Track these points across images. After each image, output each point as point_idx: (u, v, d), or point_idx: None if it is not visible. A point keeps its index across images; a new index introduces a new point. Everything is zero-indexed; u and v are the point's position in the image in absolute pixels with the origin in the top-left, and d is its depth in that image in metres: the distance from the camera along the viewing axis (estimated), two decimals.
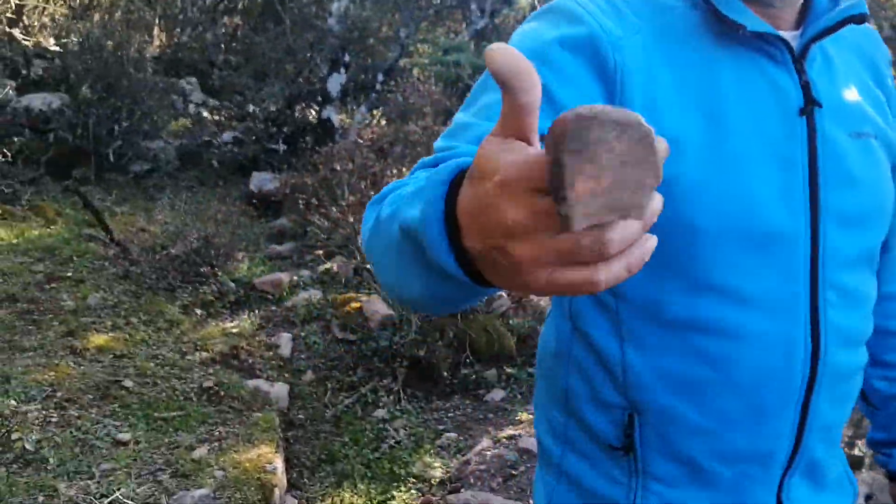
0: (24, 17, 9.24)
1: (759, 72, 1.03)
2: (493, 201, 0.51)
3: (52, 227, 6.39)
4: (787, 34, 1.06)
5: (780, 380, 1.04)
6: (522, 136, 0.52)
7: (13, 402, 3.66)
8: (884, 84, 1.18)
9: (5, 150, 7.01)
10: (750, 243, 1.01)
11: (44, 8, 9.64)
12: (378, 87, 10.15)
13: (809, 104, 1.03)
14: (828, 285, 1.05)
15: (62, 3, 10.91)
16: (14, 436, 3.38)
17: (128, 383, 4.13)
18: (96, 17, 11.71)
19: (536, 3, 7.46)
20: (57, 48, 6.50)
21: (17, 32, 6.24)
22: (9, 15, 6.78)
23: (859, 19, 1.05)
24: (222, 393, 4.17)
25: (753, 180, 1.00)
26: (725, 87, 1.02)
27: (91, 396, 3.95)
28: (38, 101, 8.48)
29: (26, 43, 6.21)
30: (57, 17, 10.37)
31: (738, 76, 1.03)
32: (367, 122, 10.05)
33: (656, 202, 0.49)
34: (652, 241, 0.51)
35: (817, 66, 1.07)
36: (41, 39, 6.23)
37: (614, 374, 1.09)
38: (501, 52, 0.50)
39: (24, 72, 9.41)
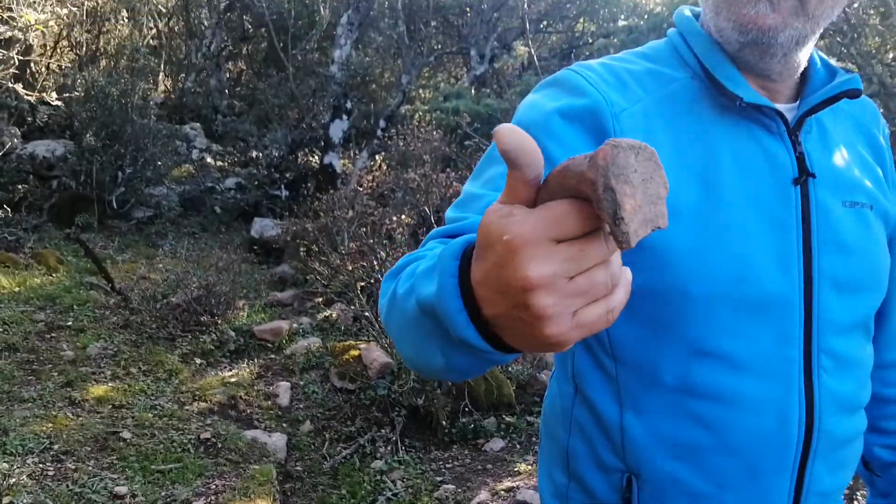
0: (32, 64, 9.38)
1: (756, 142, 1.07)
2: (509, 262, 0.56)
3: (53, 275, 6.43)
4: (784, 106, 1.10)
5: (775, 444, 1.05)
6: (526, 206, 0.59)
7: (5, 465, 3.64)
8: (881, 157, 1.21)
9: (5, 206, 7.06)
10: (744, 308, 1.02)
11: (50, 57, 9.79)
12: (379, 133, 10.25)
13: (803, 174, 1.06)
14: (821, 351, 1.06)
15: (69, 50, 11.09)
16: (5, 500, 3.36)
17: (126, 434, 4.12)
18: (102, 63, 11.89)
19: (533, 51, 7.56)
20: (59, 102, 6.62)
21: (20, 88, 6.34)
22: (13, 70, 6.90)
23: (853, 94, 1.09)
24: (220, 444, 4.16)
25: (748, 247, 1.02)
26: (722, 156, 1.05)
27: (89, 448, 3.95)
28: (42, 147, 8.58)
29: (29, 98, 6.32)
30: (64, 64, 10.53)
31: (735, 146, 1.06)
32: (368, 168, 10.13)
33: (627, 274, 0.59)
34: (629, 273, 0.60)
35: (812, 137, 1.11)
36: (44, 95, 6.34)
37: (613, 437, 1.10)
38: (509, 132, 0.56)
39: (29, 119, 9.54)
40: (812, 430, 1.06)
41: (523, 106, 1.10)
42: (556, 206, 0.56)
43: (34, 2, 7.22)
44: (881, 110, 3.88)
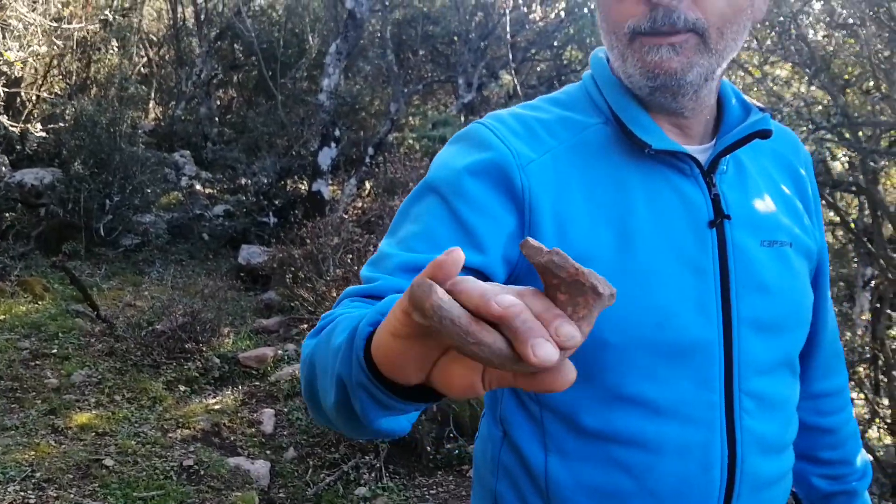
0: (22, 93, 9.43)
1: (670, 186, 1.06)
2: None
3: (39, 302, 6.43)
4: (698, 148, 1.10)
5: (697, 489, 1.05)
6: None
7: None
8: (804, 192, 1.20)
9: None
10: (663, 354, 1.02)
11: (40, 86, 9.85)
12: (368, 160, 10.31)
13: (719, 216, 1.06)
14: (743, 393, 1.06)
15: (60, 79, 11.14)
16: None
17: (108, 462, 4.12)
18: (92, 91, 11.95)
19: (516, 80, 7.65)
20: (44, 133, 6.66)
21: (5, 119, 6.40)
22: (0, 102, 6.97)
23: (764, 135, 1.09)
24: (202, 472, 4.16)
25: (665, 292, 1.02)
26: (636, 202, 1.04)
27: (71, 476, 3.94)
28: (30, 176, 8.60)
29: (14, 129, 6.37)
30: (54, 93, 10.59)
31: (649, 191, 1.05)
32: (356, 195, 10.19)
33: None
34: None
35: (728, 177, 1.10)
36: (29, 126, 6.39)
37: (538, 482, 1.10)
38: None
39: (18, 147, 9.57)
40: (735, 472, 1.06)
41: (436, 161, 1.10)
42: None
43: (20, 35, 7.29)
44: (848, 138, 3.96)
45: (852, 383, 4.24)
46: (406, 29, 12.46)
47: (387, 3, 11.72)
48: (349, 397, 0.73)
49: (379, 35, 12.32)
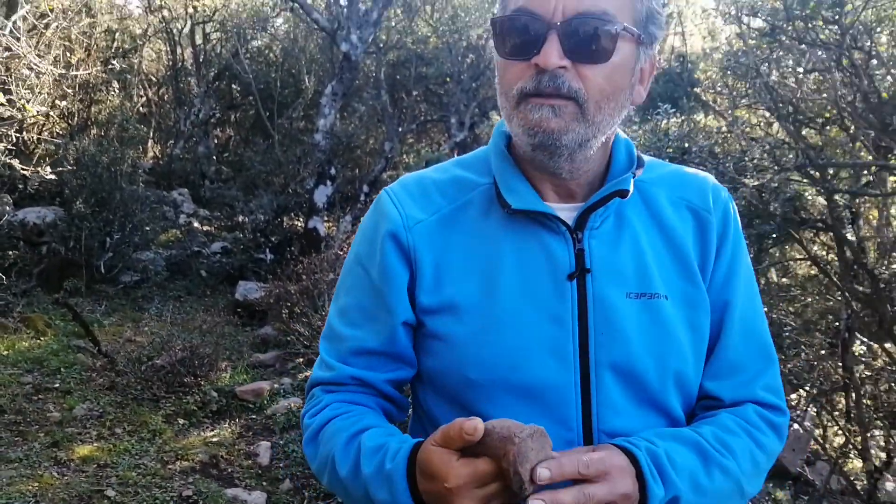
0: (24, 133, 9.64)
1: (538, 242, 1.17)
2: (448, 500, 0.93)
3: (41, 338, 6.58)
4: (573, 206, 1.20)
5: None
6: (458, 449, 0.95)
7: None
8: (707, 238, 1.24)
9: None
10: (519, 394, 1.14)
11: (42, 127, 10.07)
12: (363, 197, 10.53)
13: (579, 270, 1.16)
14: (602, 433, 1.14)
15: (61, 120, 11.37)
16: None
17: (110, 493, 4.25)
18: (93, 132, 12.18)
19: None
20: (53, 176, 6.88)
21: (16, 163, 6.60)
22: (10, 146, 7.18)
23: (622, 194, 1.17)
24: (201, 502, 4.29)
25: (521, 338, 1.14)
26: (505, 256, 1.17)
27: None
28: (32, 214, 8.80)
29: (25, 172, 6.58)
30: (56, 133, 10.80)
31: (518, 246, 1.18)
32: (351, 231, 10.38)
33: None
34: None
35: (602, 232, 1.19)
36: (39, 170, 6.59)
37: None
38: (476, 432, 0.95)
39: (20, 186, 9.77)
40: None
41: (359, 233, 1.29)
42: (481, 465, 0.93)
43: (32, 85, 7.52)
44: (817, 177, 4.15)
45: (833, 413, 4.40)
46: (400, 70, 12.76)
47: (381, 46, 12.03)
48: None
49: (373, 76, 12.61)
